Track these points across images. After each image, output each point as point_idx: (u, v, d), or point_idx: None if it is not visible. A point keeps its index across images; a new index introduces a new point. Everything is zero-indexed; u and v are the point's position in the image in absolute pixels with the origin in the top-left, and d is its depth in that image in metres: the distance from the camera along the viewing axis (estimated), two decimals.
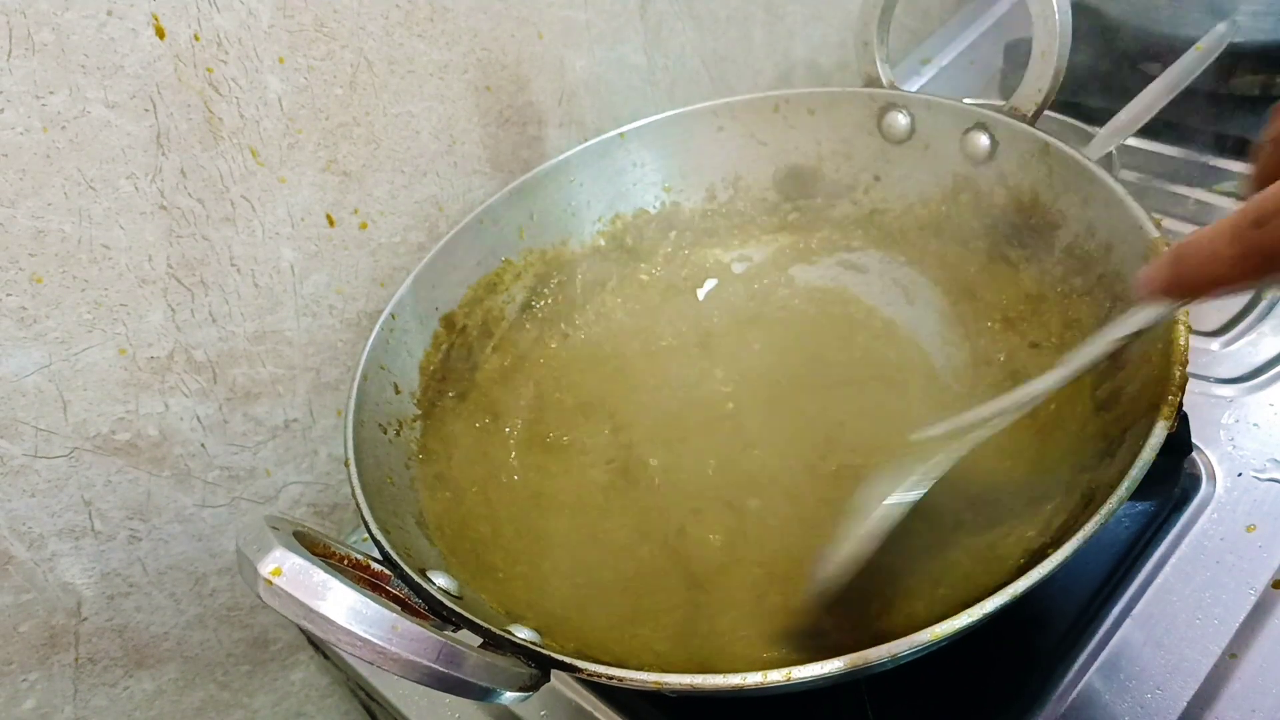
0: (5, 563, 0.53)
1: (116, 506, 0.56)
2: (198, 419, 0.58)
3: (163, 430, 0.57)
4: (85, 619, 0.57)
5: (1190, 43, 0.67)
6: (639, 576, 0.55)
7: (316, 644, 0.69)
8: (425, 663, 0.34)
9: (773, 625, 0.51)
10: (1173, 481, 0.56)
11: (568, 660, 0.38)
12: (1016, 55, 0.88)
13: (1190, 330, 0.43)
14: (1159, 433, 0.39)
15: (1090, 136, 0.69)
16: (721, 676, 0.35)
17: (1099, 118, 0.69)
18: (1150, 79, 0.67)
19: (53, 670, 0.57)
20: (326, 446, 0.67)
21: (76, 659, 0.58)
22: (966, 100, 0.62)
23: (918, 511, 0.54)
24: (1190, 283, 0.33)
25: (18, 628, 0.54)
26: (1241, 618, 0.50)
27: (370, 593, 0.34)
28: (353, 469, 0.48)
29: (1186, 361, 0.41)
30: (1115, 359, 0.49)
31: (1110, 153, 0.68)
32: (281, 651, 0.69)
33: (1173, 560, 0.53)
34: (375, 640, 0.33)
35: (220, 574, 0.63)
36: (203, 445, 0.59)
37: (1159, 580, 0.52)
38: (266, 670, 0.69)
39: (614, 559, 0.56)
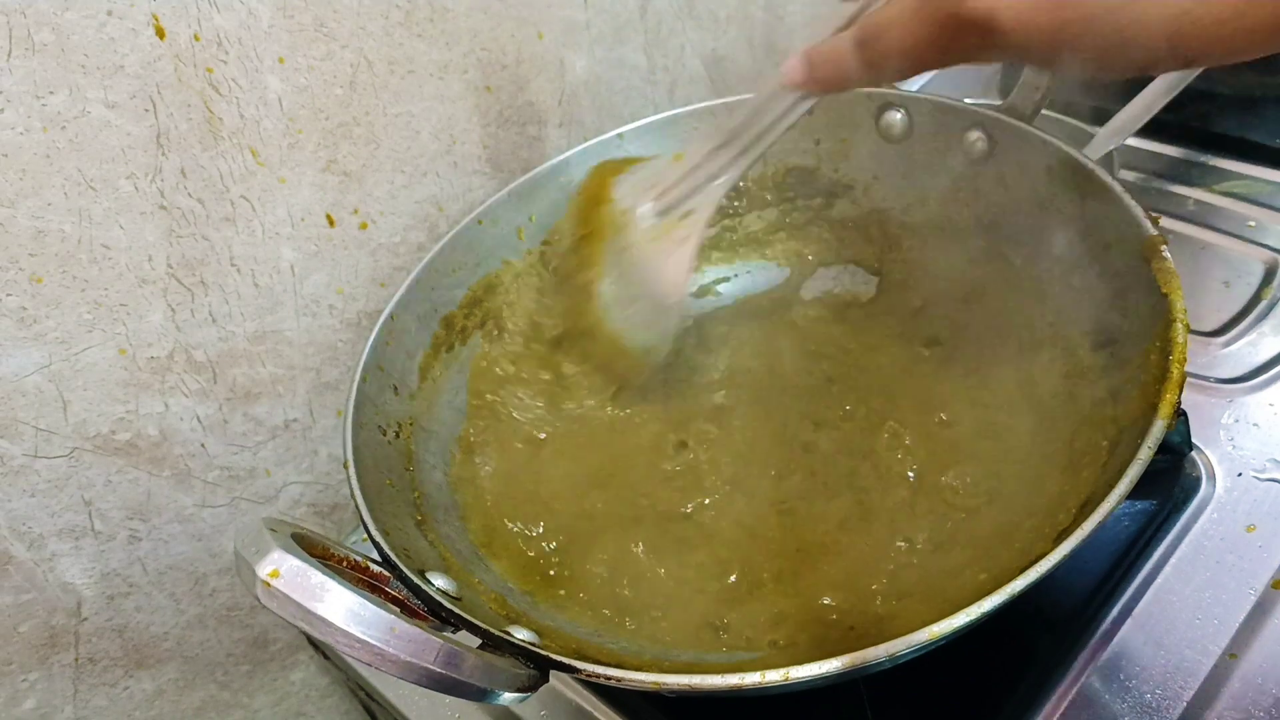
0: (5, 563, 0.53)
1: (116, 506, 0.56)
2: (198, 419, 0.58)
3: (163, 430, 0.57)
4: (85, 619, 0.57)
5: None
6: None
7: (316, 644, 0.69)
8: (423, 664, 0.34)
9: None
10: (1173, 481, 0.56)
11: (566, 661, 0.38)
12: None
13: (1189, 329, 0.43)
14: (1157, 432, 0.39)
15: (1090, 136, 0.68)
16: (719, 676, 0.35)
17: (1099, 118, 0.69)
18: (1150, 79, 0.67)
19: (53, 670, 0.57)
20: (326, 446, 0.67)
21: (76, 659, 0.58)
22: (965, 100, 0.62)
23: (919, 510, 0.54)
24: (822, 81, 0.45)
25: (18, 628, 0.54)
26: (1241, 618, 0.50)
27: (369, 594, 0.34)
28: (352, 470, 0.48)
29: (1185, 360, 0.41)
30: (1113, 357, 0.49)
31: (1110, 153, 0.68)
32: (281, 651, 0.69)
33: (1173, 560, 0.53)
34: (373, 642, 0.33)
35: (220, 574, 0.63)
36: (203, 445, 0.59)
37: (1159, 580, 0.52)
38: (266, 670, 0.69)
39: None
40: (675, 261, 0.57)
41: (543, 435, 0.63)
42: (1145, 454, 0.38)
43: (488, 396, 0.63)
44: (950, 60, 0.38)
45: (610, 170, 0.63)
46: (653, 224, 0.58)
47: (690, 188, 0.56)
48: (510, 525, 0.57)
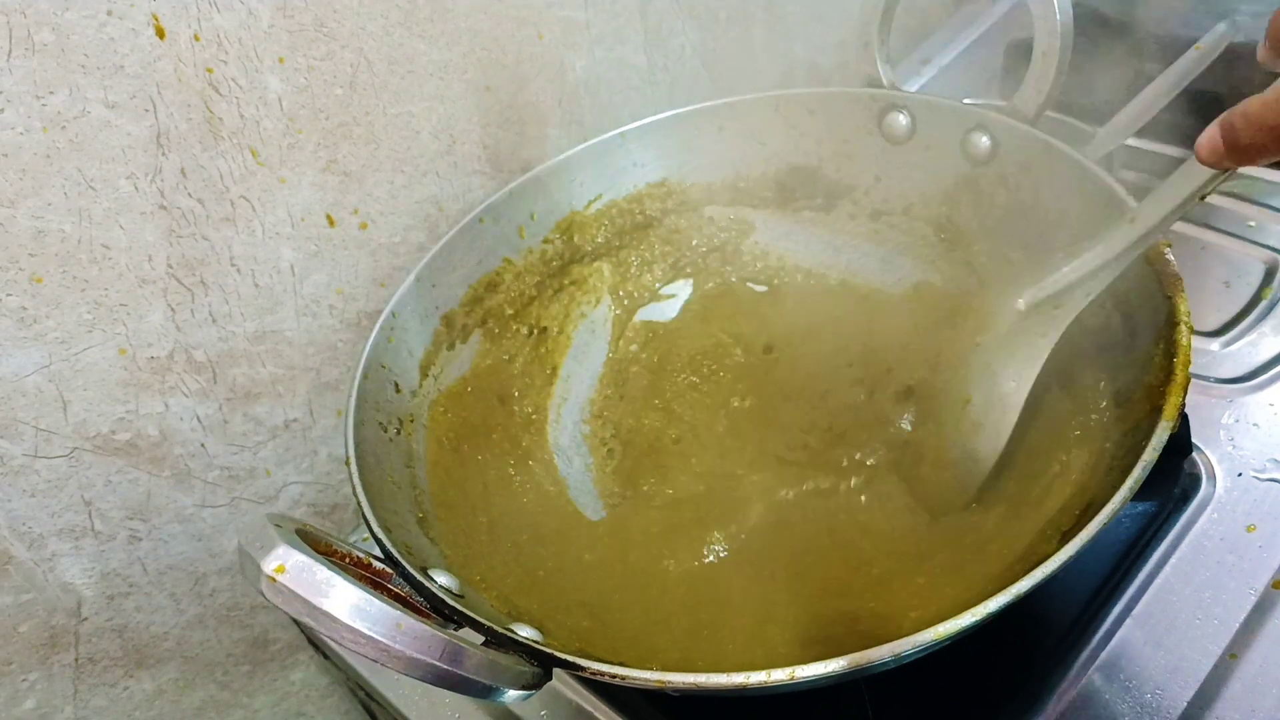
0: (5, 563, 0.53)
1: (116, 506, 0.56)
2: (198, 419, 0.58)
3: (163, 430, 0.57)
4: (85, 619, 0.57)
5: (1190, 43, 0.67)
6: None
7: (317, 644, 0.69)
8: (429, 660, 0.34)
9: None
10: (1173, 481, 0.57)
11: (570, 659, 0.37)
12: (1017, 55, 0.88)
13: (1192, 330, 0.43)
14: (1161, 433, 0.39)
15: (1090, 136, 0.68)
16: (725, 675, 0.35)
17: (1099, 118, 0.69)
18: (1150, 79, 0.67)
19: (53, 670, 0.57)
20: (327, 446, 0.67)
21: (76, 659, 0.58)
22: (967, 100, 0.62)
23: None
24: (1242, 149, 0.37)
25: (18, 628, 0.54)
26: (1241, 618, 0.50)
27: (374, 590, 0.34)
28: (354, 468, 0.48)
29: (1189, 362, 0.42)
30: (1116, 359, 0.49)
31: (1110, 153, 0.68)
32: (281, 651, 0.69)
33: (1173, 560, 0.53)
34: (379, 637, 0.33)
35: (220, 574, 0.63)
36: (203, 445, 0.59)
37: (1159, 580, 0.52)
38: (266, 670, 0.69)
39: None
40: (1026, 356, 0.51)
41: None
42: (1150, 456, 0.38)
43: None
44: None
45: None
46: (1018, 316, 0.52)
47: (1071, 280, 0.49)
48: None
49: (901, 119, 0.63)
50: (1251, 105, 0.36)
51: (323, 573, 0.33)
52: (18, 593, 0.54)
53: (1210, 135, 0.38)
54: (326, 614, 0.32)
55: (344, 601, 0.33)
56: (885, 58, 0.64)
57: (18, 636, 0.54)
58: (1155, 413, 0.40)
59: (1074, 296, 0.49)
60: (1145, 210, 0.44)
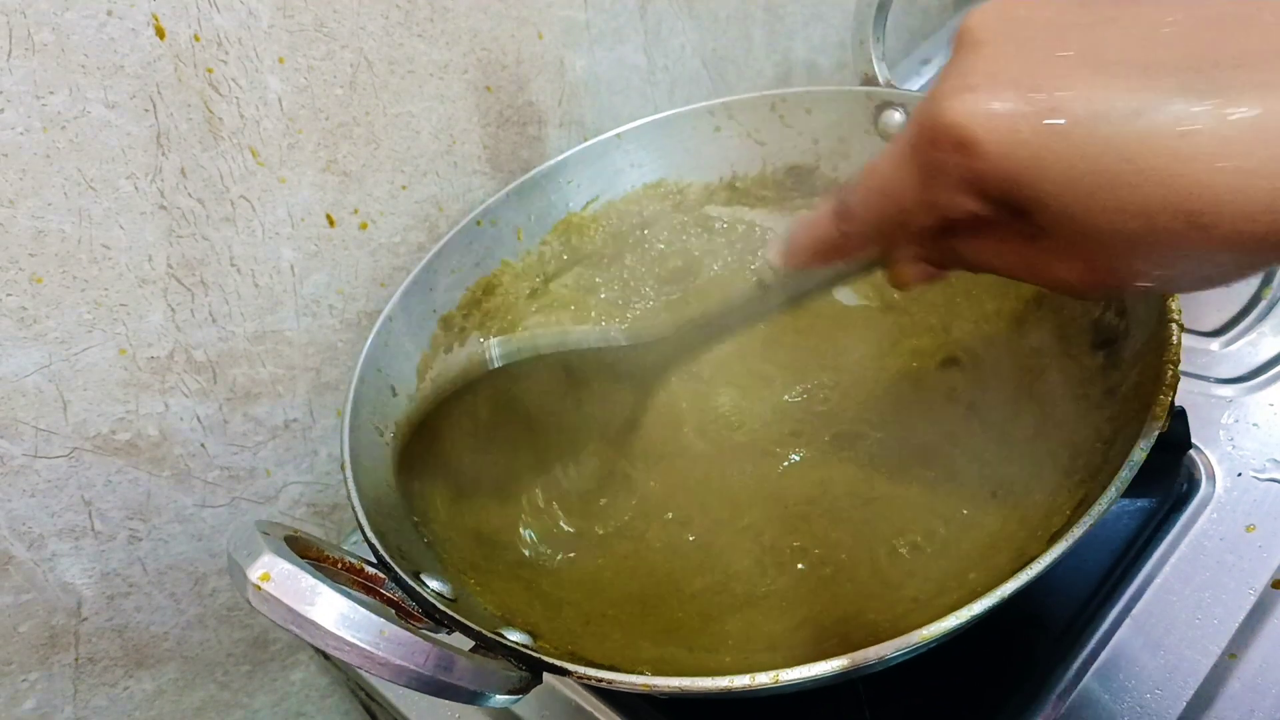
0: (5, 563, 0.53)
1: (116, 506, 0.56)
2: (198, 419, 0.59)
3: (163, 430, 0.57)
4: (85, 619, 0.57)
5: None
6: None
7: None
8: (413, 667, 0.34)
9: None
10: (1171, 477, 0.56)
11: (558, 663, 0.37)
12: None
13: (1183, 329, 0.43)
14: (1150, 432, 0.39)
15: None
16: (710, 679, 0.35)
17: None
18: None
19: (53, 670, 0.57)
20: (326, 447, 0.67)
21: (76, 659, 0.58)
22: None
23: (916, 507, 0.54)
24: (799, 253, 0.40)
25: (18, 628, 0.55)
26: (1241, 618, 0.50)
27: (361, 596, 0.34)
28: (349, 472, 0.48)
29: (1178, 360, 0.41)
30: (1109, 357, 0.49)
31: None
32: (281, 651, 0.70)
33: (1172, 560, 0.53)
34: (363, 645, 0.33)
35: (220, 574, 0.63)
36: (203, 445, 0.59)
37: (1158, 580, 0.52)
38: (266, 670, 0.69)
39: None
40: None
41: None
42: (1139, 455, 0.38)
43: None
44: (932, 211, 0.33)
45: None
46: None
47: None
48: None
49: (897, 116, 0.63)
50: (809, 214, 0.39)
51: (308, 580, 0.33)
52: (18, 593, 0.54)
53: (779, 240, 0.41)
54: (311, 621, 0.32)
55: (329, 609, 0.33)
56: (881, 56, 0.64)
57: (18, 636, 0.55)
58: (1145, 411, 0.40)
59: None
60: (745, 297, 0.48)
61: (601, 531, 0.57)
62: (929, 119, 0.31)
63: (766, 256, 0.44)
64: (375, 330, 0.56)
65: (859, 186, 0.36)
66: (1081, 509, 0.37)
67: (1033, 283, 0.34)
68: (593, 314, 0.69)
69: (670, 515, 0.58)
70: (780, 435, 0.61)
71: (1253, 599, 0.50)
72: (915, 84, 0.94)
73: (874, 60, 0.64)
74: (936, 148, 0.31)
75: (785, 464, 0.59)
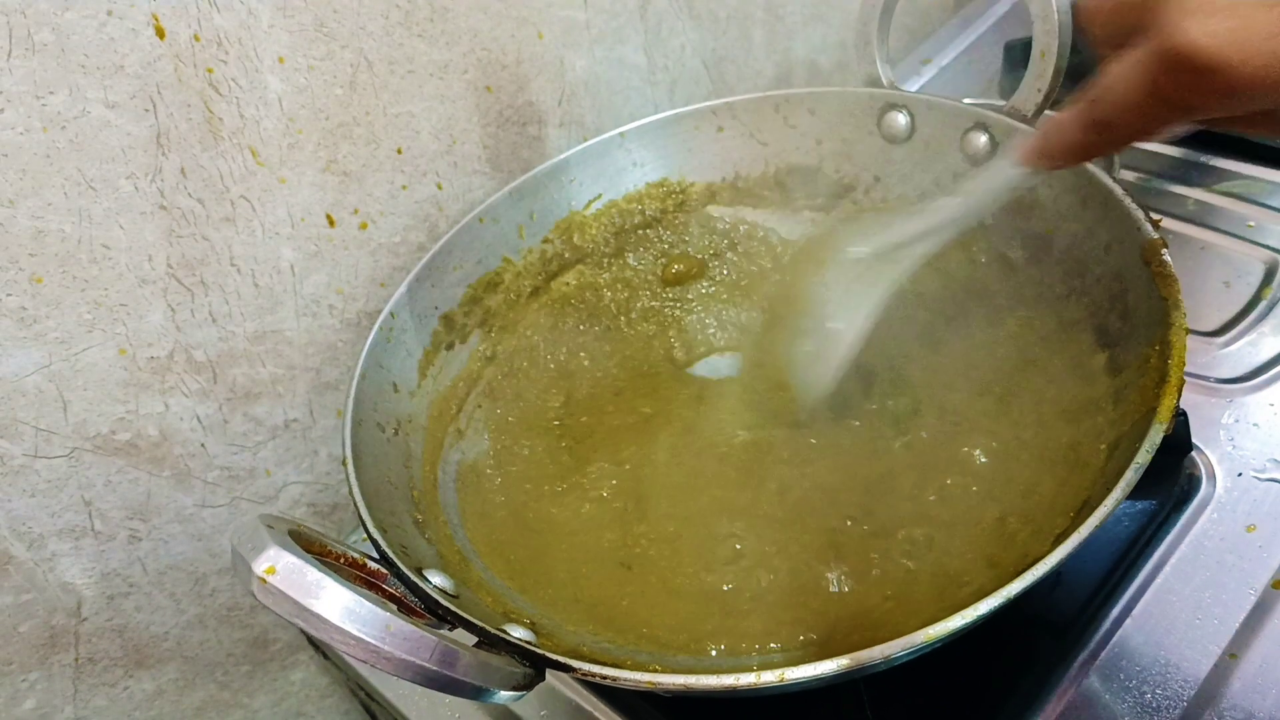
0: (5, 563, 0.53)
1: (116, 506, 0.56)
2: (198, 419, 0.58)
3: (163, 430, 0.57)
4: (85, 619, 0.57)
5: None
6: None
7: (316, 644, 0.69)
8: (418, 662, 0.34)
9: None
10: (1173, 480, 0.56)
11: (562, 660, 0.37)
12: (1016, 55, 0.88)
13: (1188, 332, 0.43)
14: (1155, 435, 0.39)
15: None
16: (715, 677, 0.35)
17: None
18: None
19: (53, 670, 0.57)
20: (326, 446, 0.67)
21: (76, 659, 0.58)
22: (966, 100, 0.62)
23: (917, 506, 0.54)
24: (1056, 154, 0.43)
25: (18, 628, 0.54)
26: (1241, 618, 0.50)
27: (366, 591, 0.34)
28: (350, 468, 0.48)
29: (1184, 364, 0.41)
30: (1113, 359, 0.49)
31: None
32: (281, 651, 0.69)
33: (1173, 560, 0.53)
34: (368, 639, 0.33)
35: (220, 574, 0.63)
36: (203, 445, 0.59)
37: (1159, 580, 0.52)
38: (266, 670, 0.69)
39: None
40: (861, 297, 0.56)
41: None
42: (1143, 458, 0.38)
43: None
44: (1178, 114, 0.36)
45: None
46: (855, 263, 0.57)
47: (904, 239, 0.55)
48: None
49: (901, 118, 0.63)
50: (1062, 119, 0.41)
51: (313, 574, 0.33)
52: (18, 593, 0.54)
53: (1030, 141, 0.44)
54: (316, 615, 0.32)
55: (334, 603, 0.33)
56: (885, 57, 0.64)
57: (18, 636, 0.55)
58: (1150, 414, 0.40)
59: (908, 254, 0.54)
60: (971, 188, 0.50)
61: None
62: (1177, 44, 0.33)
63: (1014, 156, 0.45)
64: (377, 326, 0.56)
65: (1113, 104, 0.38)
66: (1085, 511, 0.37)
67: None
68: (595, 313, 0.69)
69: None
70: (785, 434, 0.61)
71: (1253, 599, 0.50)
72: (915, 84, 0.94)
73: (878, 61, 0.64)
74: (1193, 70, 0.33)
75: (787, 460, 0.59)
